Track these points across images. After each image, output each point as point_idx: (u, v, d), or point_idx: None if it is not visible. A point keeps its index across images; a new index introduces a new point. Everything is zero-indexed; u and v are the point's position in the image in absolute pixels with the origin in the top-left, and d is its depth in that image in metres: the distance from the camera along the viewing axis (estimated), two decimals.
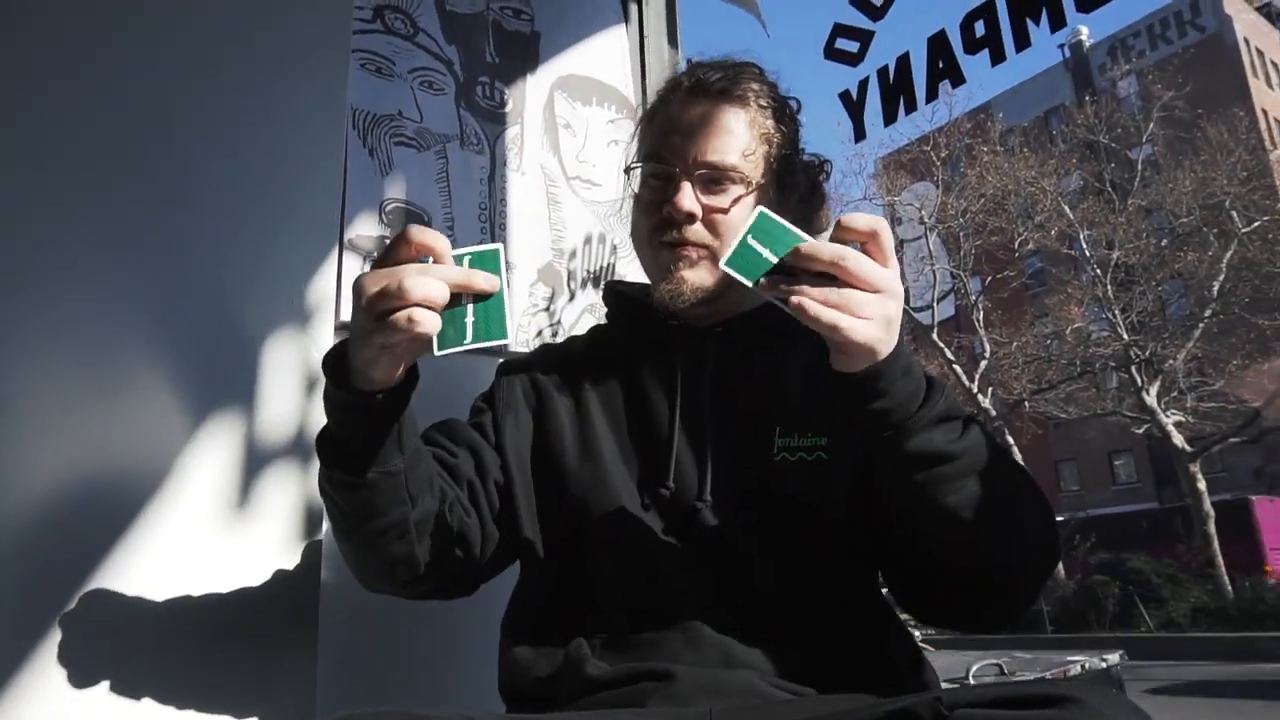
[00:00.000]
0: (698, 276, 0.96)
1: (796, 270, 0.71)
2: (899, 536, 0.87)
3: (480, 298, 0.71)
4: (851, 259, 0.70)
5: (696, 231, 0.96)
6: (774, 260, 0.72)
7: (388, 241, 0.72)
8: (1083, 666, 1.88)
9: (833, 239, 0.71)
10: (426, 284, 0.68)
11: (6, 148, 1.12)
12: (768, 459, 0.92)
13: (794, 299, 0.69)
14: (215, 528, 1.16)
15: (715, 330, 1.00)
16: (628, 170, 1.04)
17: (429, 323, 0.68)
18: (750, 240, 0.73)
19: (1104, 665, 1.95)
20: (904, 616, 0.98)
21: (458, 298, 0.70)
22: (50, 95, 1.15)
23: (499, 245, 0.73)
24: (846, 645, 0.87)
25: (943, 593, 0.88)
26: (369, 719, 0.66)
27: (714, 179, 0.96)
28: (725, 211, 0.95)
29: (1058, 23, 1.02)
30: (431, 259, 0.70)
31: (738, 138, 0.96)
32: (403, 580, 0.92)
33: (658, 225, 0.97)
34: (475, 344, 0.71)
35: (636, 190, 1.03)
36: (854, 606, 0.90)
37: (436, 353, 0.70)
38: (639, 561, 0.90)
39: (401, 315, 0.68)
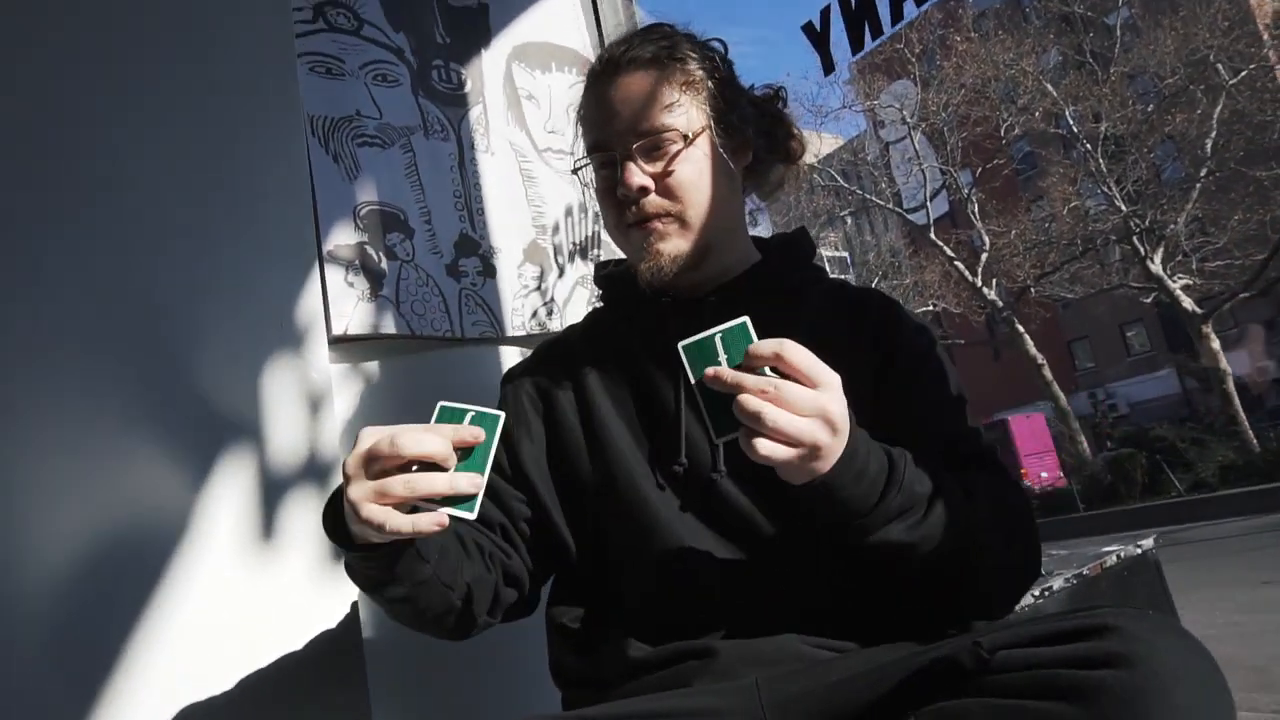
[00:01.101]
0: (672, 246, 0.96)
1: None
2: None
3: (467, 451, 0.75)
4: (771, 387, 0.71)
5: (655, 202, 0.96)
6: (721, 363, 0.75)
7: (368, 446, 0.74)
8: (1118, 556, 1.89)
9: (742, 369, 0.73)
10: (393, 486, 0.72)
11: None
12: None
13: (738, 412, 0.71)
14: (245, 562, 1.16)
15: (709, 300, 0.98)
16: (575, 170, 1.06)
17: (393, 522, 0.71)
18: (716, 339, 0.76)
19: (1139, 551, 1.96)
20: None
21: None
22: None
23: (502, 414, 0.77)
24: (879, 595, 0.87)
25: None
26: None
27: (653, 145, 0.95)
28: (673, 173, 0.95)
29: None
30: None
31: (659, 98, 0.95)
32: (469, 631, 0.95)
33: (620, 210, 0.98)
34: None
35: (595, 184, 1.03)
36: (880, 564, 0.91)
37: (472, 516, 0.75)
38: (662, 541, 0.90)
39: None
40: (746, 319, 0.75)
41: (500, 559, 0.95)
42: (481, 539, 0.94)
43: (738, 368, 0.73)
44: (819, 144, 23.68)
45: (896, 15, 1.17)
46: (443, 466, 0.73)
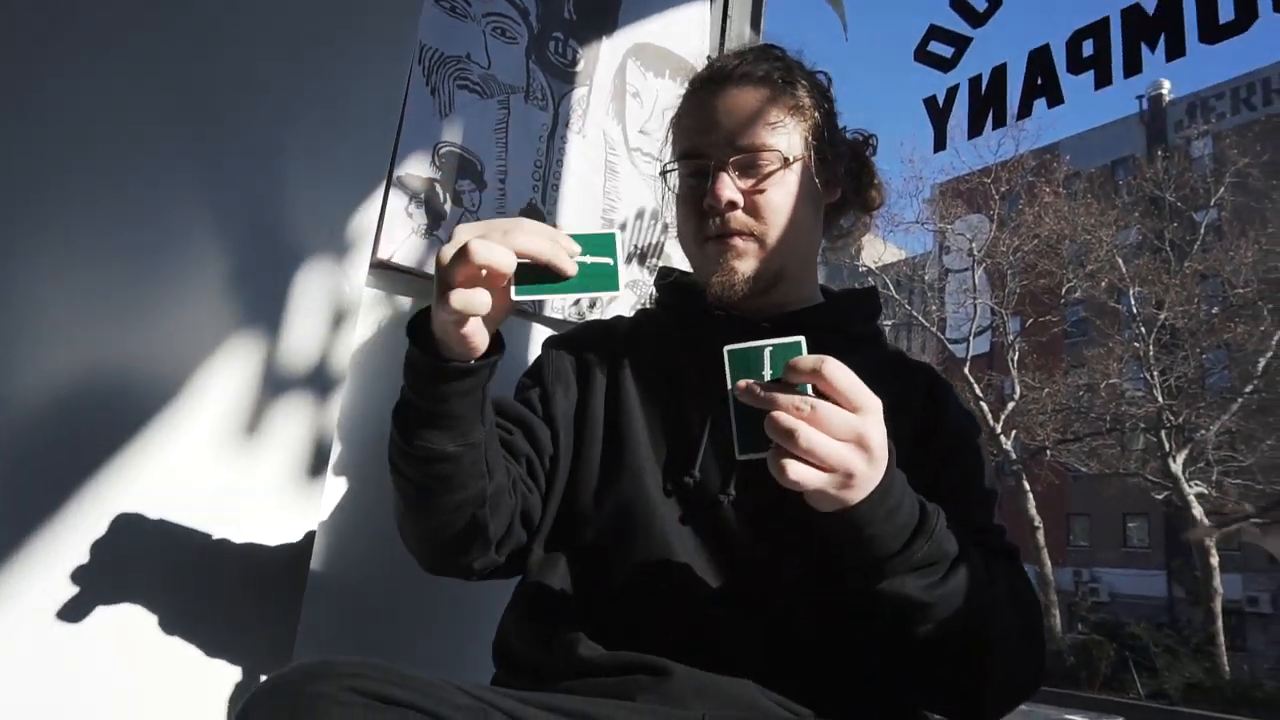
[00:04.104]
0: (748, 265, 0.94)
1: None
2: None
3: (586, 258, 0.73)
4: (806, 406, 0.66)
5: (740, 219, 0.93)
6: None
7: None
8: None
9: (785, 381, 0.68)
10: (492, 251, 0.68)
11: (58, 46, 1.08)
12: None
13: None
14: (220, 452, 1.12)
15: (763, 326, 0.95)
16: (663, 173, 1.03)
17: (476, 302, 0.69)
18: (765, 351, 0.71)
19: None
20: None
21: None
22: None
23: (616, 230, 0.75)
24: (851, 670, 0.82)
25: (914, 672, 0.83)
26: (355, 666, 0.62)
27: (749, 163, 0.93)
28: (764, 192, 0.93)
29: (1175, 50, 0.96)
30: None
31: (765, 116, 0.94)
32: (476, 557, 0.89)
33: (701, 221, 0.95)
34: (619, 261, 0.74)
35: (676, 191, 1.01)
36: (862, 631, 0.86)
37: (618, 292, 0.76)
38: (651, 546, 0.86)
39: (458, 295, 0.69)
40: (802, 339, 0.71)
41: (522, 490, 0.91)
42: (510, 465, 0.90)
43: (776, 386, 0.69)
44: (882, 251, 23.79)
45: (1024, 111, 1.15)
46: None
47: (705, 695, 0.77)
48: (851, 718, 0.78)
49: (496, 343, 0.78)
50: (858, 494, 0.68)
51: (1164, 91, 24.70)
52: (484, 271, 0.68)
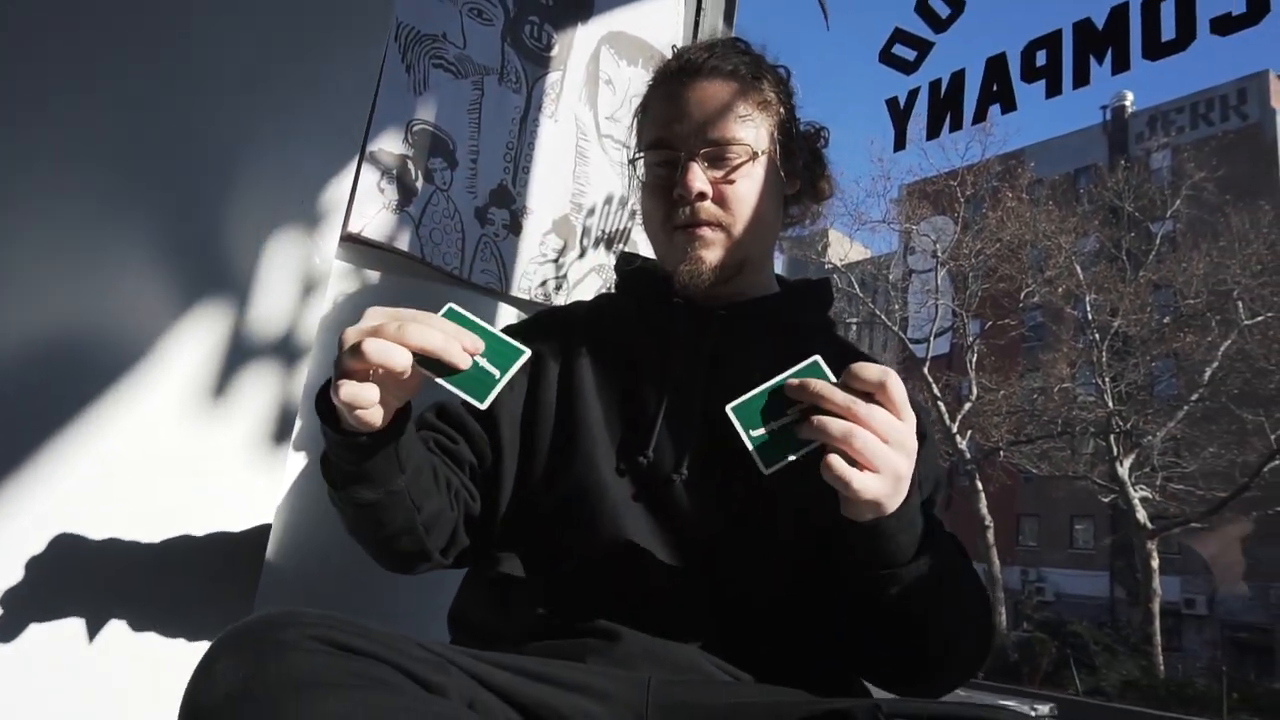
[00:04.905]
0: (715, 255, 0.97)
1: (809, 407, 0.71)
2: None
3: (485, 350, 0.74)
4: (862, 407, 0.69)
5: (709, 209, 0.96)
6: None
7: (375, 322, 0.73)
8: (1014, 712, 1.88)
9: (840, 386, 0.71)
10: (410, 330, 0.70)
11: (31, 11, 1.08)
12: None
13: (806, 431, 0.70)
14: (186, 415, 1.13)
15: (719, 312, 0.99)
16: (632, 161, 1.05)
17: (393, 359, 0.70)
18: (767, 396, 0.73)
19: (1033, 715, 1.96)
20: None
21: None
22: None
23: (451, 305, 0.75)
24: (793, 640, 0.86)
25: (871, 651, 0.88)
26: (318, 616, 0.65)
27: (719, 155, 0.96)
28: (733, 184, 0.96)
29: (1120, 65, 1.01)
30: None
31: (735, 111, 0.96)
32: (420, 566, 0.94)
33: (670, 210, 0.98)
34: (507, 376, 0.73)
35: (644, 179, 1.03)
36: (806, 604, 0.90)
37: (483, 405, 0.73)
38: (604, 522, 0.89)
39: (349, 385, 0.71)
40: (818, 358, 0.73)
41: (465, 499, 0.94)
42: (451, 477, 0.93)
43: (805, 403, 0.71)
44: (848, 249, 24.02)
45: (979, 116, 1.20)
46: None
47: (653, 659, 0.81)
48: (789, 683, 0.82)
49: (404, 411, 0.79)
50: (897, 500, 0.71)
51: (1127, 103, 25.21)
52: (378, 370, 0.71)
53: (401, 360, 0.70)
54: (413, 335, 0.70)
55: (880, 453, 0.69)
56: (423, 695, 0.64)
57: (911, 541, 0.75)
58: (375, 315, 0.73)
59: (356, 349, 0.70)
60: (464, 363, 0.72)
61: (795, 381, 0.71)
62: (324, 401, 0.79)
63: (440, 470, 0.91)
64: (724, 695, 0.78)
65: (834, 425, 0.68)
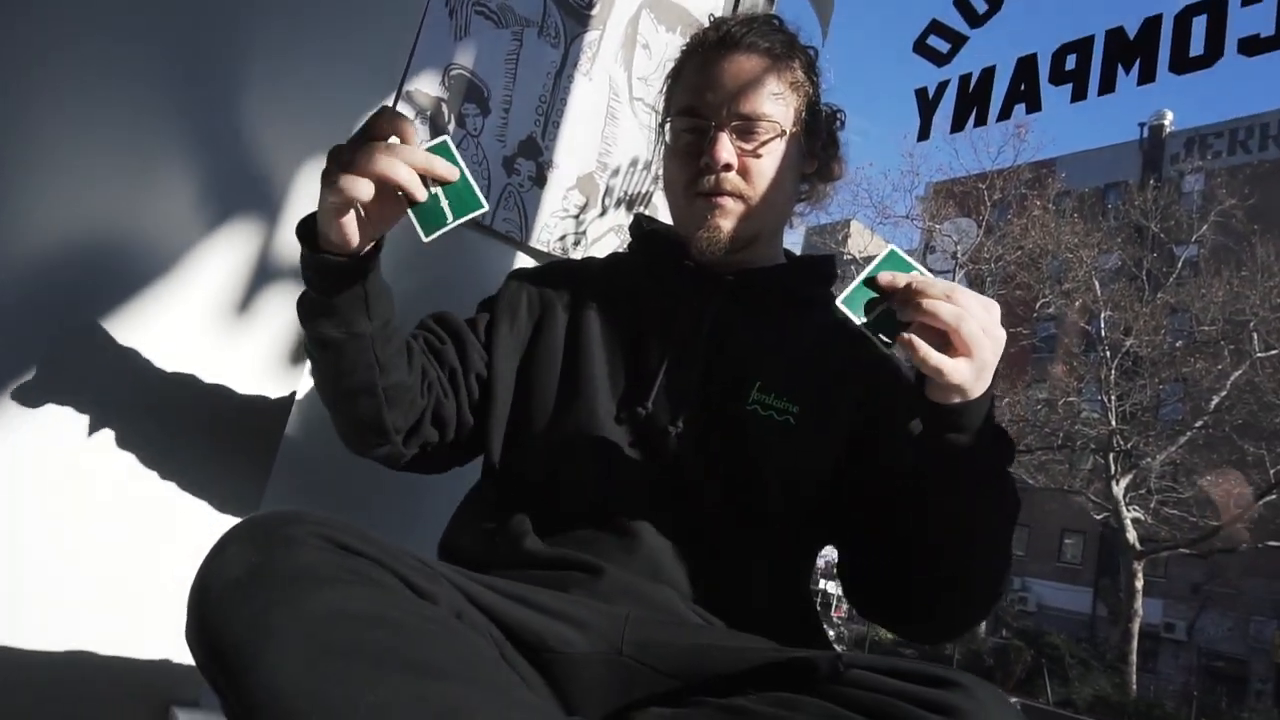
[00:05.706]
0: (732, 225, 1.00)
1: (903, 303, 0.74)
2: (875, 523, 0.90)
3: (444, 183, 0.78)
4: (961, 292, 0.73)
5: (732, 180, 0.99)
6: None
7: (370, 117, 0.80)
8: None
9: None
10: (376, 159, 0.75)
11: None
12: (741, 405, 0.95)
13: (905, 334, 0.73)
14: (211, 322, 1.19)
15: (727, 279, 1.02)
16: (661, 125, 1.08)
17: (358, 189, 0.76)
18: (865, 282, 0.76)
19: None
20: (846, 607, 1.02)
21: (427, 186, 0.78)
22: None
23: (446, 137, 0.80)
24: (762, 593, 0.91)
25: (898, 590, 0.91)
26: (324, 517, 0.69)
27: (748, 129, 0.99)
28: (759, 158, 0.99)
29: (1147, 76, 1.03)
30: (399, 140, 0.78)
31: (768, 87, 0.99)
32: (374, 444, 0.97)
33: (693, 176, 1.00)
34: (457, 221, 0.79)
35: (670, 143, 1.06)
36: (780, 561, 0.95)
37: (425, 239, 0.78)
38: (598, 465, 0.94)
39: (342, 179, 0.76)
40: (894, 247, 0.78)
41: (438, 394, 0.98)
42: (429, 368, 0.98)
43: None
44: (869, 241, 23.90)
45: (1004, 114, 1.22)
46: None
47: (631, 596, 0.86)
48: (756, 630, 0.86)
49: (377, 246, 0.85)
50: (981, 386, 0.75)
51: (1165, 122, 24.89)
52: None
53: (365, 191, 0.76)
54: (379, 166, 0.76)
55: (978, 339, 0.72)
56: (413, 598, 0.69)
57: (989, 436, 0.79)
58: (350, 146, 0.78)
59: (332, 182, 0.77)
60: (421, 195, 0.77)
61: (887, 276, 0.75)
62: (303, 229, 0.85)
63: (417, 356, 0.96)
64: (694, 636, 0.83)
65: (946, 311, 0.72)
